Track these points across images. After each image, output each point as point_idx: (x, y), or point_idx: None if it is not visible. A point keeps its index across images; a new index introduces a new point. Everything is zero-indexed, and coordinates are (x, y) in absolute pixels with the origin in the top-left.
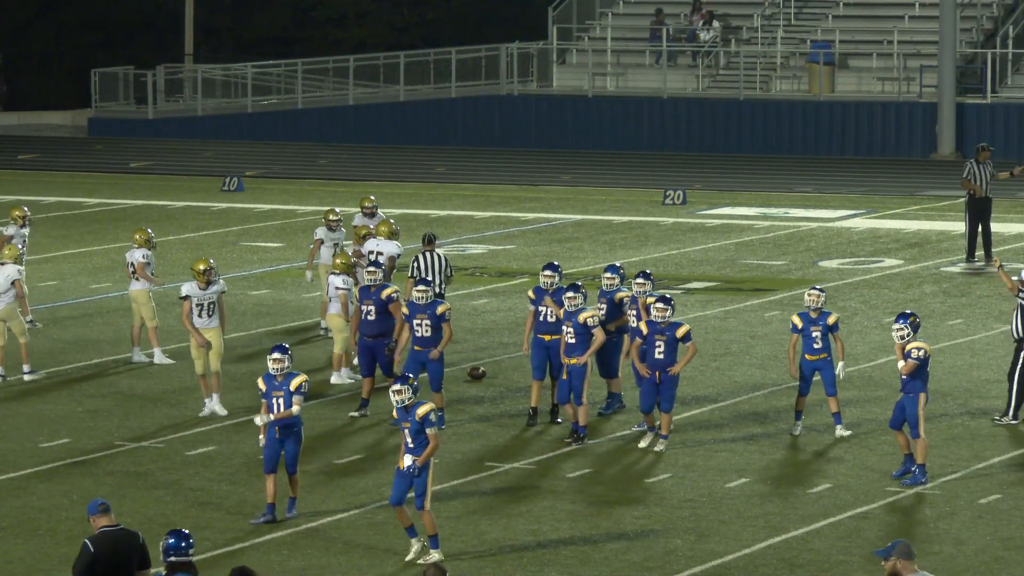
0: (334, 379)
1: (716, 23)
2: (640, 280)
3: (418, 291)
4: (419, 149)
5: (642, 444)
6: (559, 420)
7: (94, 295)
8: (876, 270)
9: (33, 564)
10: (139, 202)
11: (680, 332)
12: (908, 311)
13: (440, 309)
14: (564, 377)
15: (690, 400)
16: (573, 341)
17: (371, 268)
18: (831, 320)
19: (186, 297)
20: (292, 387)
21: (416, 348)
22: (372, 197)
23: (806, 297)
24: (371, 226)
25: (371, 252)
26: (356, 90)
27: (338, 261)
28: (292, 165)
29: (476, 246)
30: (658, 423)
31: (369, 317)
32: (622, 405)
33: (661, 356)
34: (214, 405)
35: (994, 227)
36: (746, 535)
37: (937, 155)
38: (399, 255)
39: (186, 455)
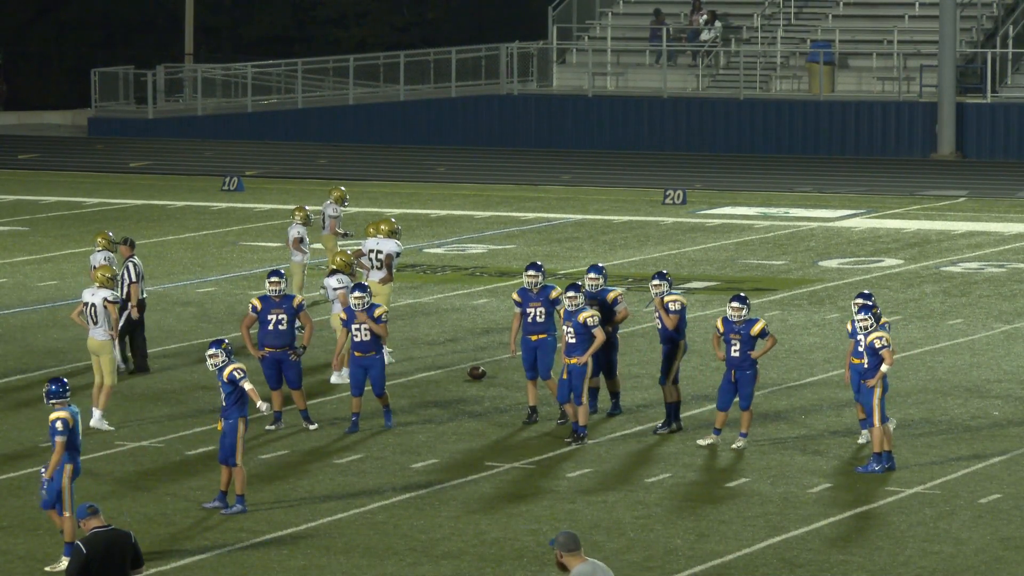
0: (334, 379)
1: (717, 23)
2: (656, 281)
3: (355, 298)
4: (419, 149)
5: (701, 441)
6: (563, 420)
7: None
8: (876, 270)
9: (33, 563)
10: (139, 202)
11: (755, 329)
12: (870, 303)
13: (378, 312)
14: (564, 377)
15: (690, 400)
16: (573, 341)
17: (274, 279)
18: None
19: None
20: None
21: (356, 354)
22: (342, 187)
23: (852, 305)
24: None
25: (371, 251)
26: (356, 90)
27: (337, 259)
28: (292, 165)
29: (476, 246)
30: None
31: (280, 327)
32: (619, 411)
33: (736, 354)
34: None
35: (992, 226)
36: (746, 535)
37: (937, 155)
38: (399, 253)
39: (186, 455)
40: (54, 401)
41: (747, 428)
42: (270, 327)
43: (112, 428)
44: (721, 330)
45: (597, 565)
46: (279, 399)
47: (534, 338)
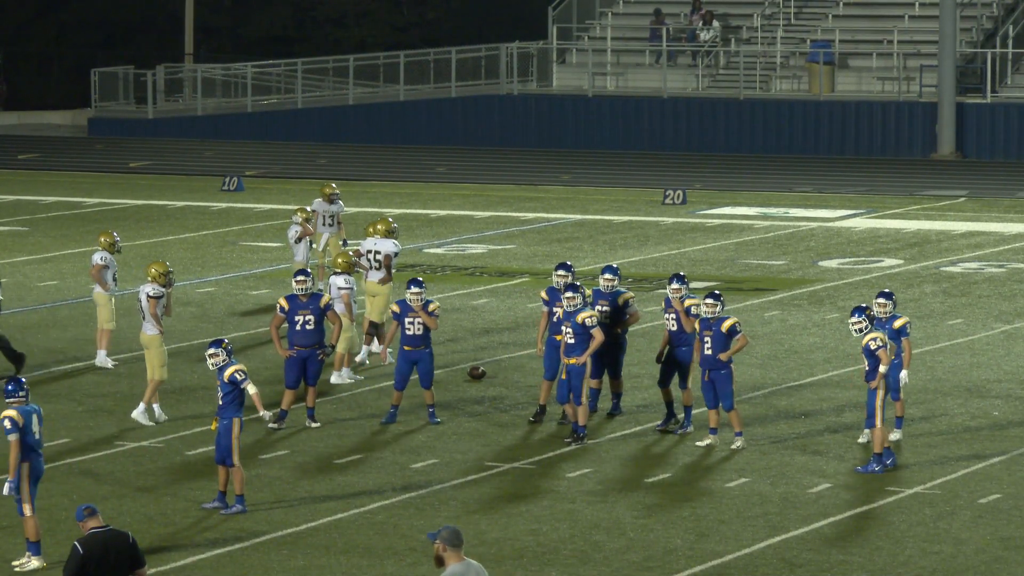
0: (334, 378)
1: (716, 23)
2: (676, 285)
3: (412, 293)
4: (419, 149)
5: (700, 443)
6: (563, 420)
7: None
8: (876, 270)
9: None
10: (139, 202)
11: (725, 326)
12: (864, 304)
13: (432, 307)
14: (563, 377)
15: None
16: (572, 341)
17: (300, 278)
18: (897, 324)
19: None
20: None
21: (406, 348)
22: (333, 184)
23: (874, 305)
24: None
25: (369, 251)
26: (356, 90)
27: (339, 260)
28: (292, 165)
29: (476, 246)
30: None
31: (308, 327)
32: (619, 411)
33: (710, 352)
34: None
35: (992, 226)
36: (746, 535)
37: (937, 155)
38: (397, 253)
39: (186, 455)
40: (8, 400)
41: (740, 427)
42: (298, 327)
43: (166, 419)
44: (698, 330)
45: (471, 565)
46: (291, 398)
47: (559, 338)
